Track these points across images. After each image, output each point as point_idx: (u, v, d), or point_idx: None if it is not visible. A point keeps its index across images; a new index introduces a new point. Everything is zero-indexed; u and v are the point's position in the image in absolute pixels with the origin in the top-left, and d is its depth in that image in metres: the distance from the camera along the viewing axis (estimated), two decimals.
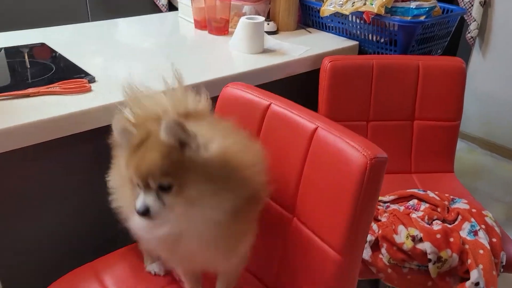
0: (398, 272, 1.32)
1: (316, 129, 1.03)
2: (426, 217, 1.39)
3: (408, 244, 1.29)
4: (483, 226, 1.36)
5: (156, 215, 0.82)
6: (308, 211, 1.04)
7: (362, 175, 0.90)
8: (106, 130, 0.99)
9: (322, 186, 0.99)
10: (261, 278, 1.18)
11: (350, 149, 0.93)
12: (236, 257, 1.01)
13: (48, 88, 1.26)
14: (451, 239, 1.29)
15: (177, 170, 0.81)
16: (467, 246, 1.29)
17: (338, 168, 0.96)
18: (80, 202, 1.35)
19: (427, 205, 1.46)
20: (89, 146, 1.29)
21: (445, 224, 1.35)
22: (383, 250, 1.33)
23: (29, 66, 1.45)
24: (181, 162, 0.82)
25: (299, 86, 1.76)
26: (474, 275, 1.24)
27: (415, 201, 1.48)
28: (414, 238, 1.29)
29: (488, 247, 1.30)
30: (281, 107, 1.12)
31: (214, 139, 0.87)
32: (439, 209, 1.44)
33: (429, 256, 1.27)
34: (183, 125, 0.80)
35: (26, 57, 1.52)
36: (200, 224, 0.88)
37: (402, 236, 1.31)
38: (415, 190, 1.52)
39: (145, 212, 0.82)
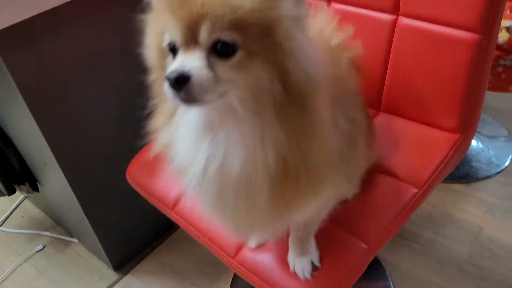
0: (492, 73, 1.21)
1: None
2: (508, 10, 1.26)
3: (503, 36, 1.16)
4: None
5: (201, 90, 0.50)
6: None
7: None
8: None
9: None
10: None
11: None
12: (316, 202, 0.67)
13: None
14: None
15: (251, 25, 0.50)
16: None
17: None
18: None
19: None
20: None
21: None
22: None
23: None
24: (263, 13, 0.50)
25: None
26: None
27: None
28: (508, 29, 1.17)
29: None
30: None
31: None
32: None
33: None
34: None
35: None
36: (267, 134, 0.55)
37: None
38: None
39: (182, 81, 0.49)
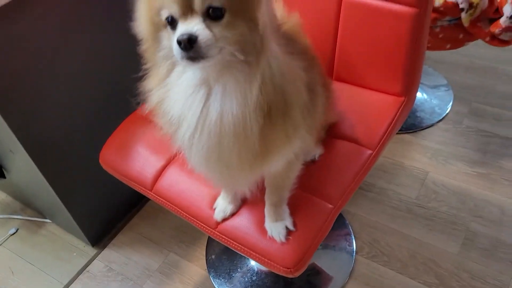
0: (431, 34, 1.33)
1: None
2: None
3: (439, 0, 1.26)
4: None
5: (207, 47, 0.60)
6: None
7: None
8: None
9: None
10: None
11: None
12: (289, 150, 0.77)
13: None
14: None
15: None
16: None
17: None
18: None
19: None
20: None
21: None
22: None
23: None
24: None
25: None
26: (507, 10, 1.24)
27: None
28: None
29: None
30: None
31: None
32: None
33: (461, 6, 1.25)
34: None
35: None
36: (248, 84, 0.66)
37: None
38: None
39: (192, 41, 0.59)
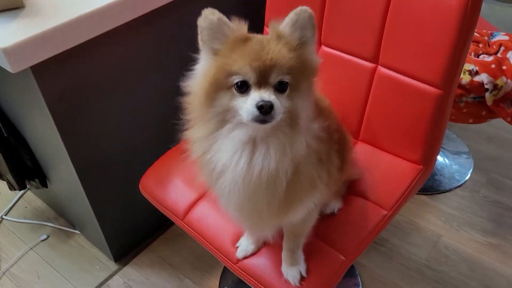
0: (455, 107, 1.42)
1: None
2: (472, 53, 1.46)
3: (466, 78, 1.36)
4: None
5: (278, 114, 0.71)
6: (396, 55, 1.07)
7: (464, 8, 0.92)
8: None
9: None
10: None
11: None
12: (310, 201, 0.88)
13: None
14: (504, 67, 1.37)
15: (295, 69, 0.74)
16: None
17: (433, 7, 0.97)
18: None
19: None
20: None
21: (497, 55, 1.42)
22: None
23: None
24: (300, 62, 0.74)
25: None
26: None
27: None
28: (470, 72, 1.36)
29: None
30: None
31: None
32: (480, 45, 1.50)
33: (486, 86, 1.35)
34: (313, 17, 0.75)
35: None
36: (293, 146, 0.78)
37: None
38: None
39: (271, 108, 0.70)
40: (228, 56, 0.73)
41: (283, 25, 0.76)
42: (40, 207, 1.89)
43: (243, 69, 0.71)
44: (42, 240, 1.74)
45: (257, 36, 0.77)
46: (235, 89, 0.73)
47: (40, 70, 1.08)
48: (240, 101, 0.73)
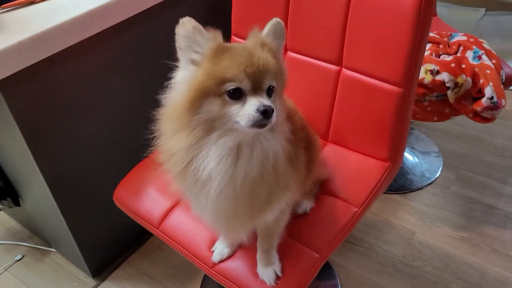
0: (420, 106, 1.47)
1: None
2: (434, 54, 1.52)
3: (428, 78, 1.41)
4: (483, 51, 1.51)
5: (274, 118, 0.74)
6: (358, 57, 1.11)
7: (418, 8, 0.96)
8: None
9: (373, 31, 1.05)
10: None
11: None
12: (283, 201, 0.90)
13: None
14: (463, 66, 1.43)
15: (278, 74, 0.78)
16: (476, 69, 1.44)
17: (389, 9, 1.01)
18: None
19: (430, 44, 1.57)
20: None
21: (456, 55, 1.48)
22: None
23: None
24: (279, 67, 0.79)
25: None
26: (488, 91, 1.40)
27: None
28: (432, 72, 1.42)
29: (493, 67, 1.45)
30: None
31: None
32: (441, 46, 1.56)
33: (447, 84, 1.40)
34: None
35: None
36: (272, 148, 0.80)
37: (421, 72, 1.42)
38: None
39: (271, 112, 0.72)
40: (216, 64, 0.74)
41: (264, 34, 0.81)
42: (14, 227, 1.85)
43: (238, 76, 0.72)
44: (17, 260, 1.71)
45: (238, 44, 0.80)
46: (228, 96, 0.73)
47: (7, 85, 1.07)
48: (235, 108, 0.73)
